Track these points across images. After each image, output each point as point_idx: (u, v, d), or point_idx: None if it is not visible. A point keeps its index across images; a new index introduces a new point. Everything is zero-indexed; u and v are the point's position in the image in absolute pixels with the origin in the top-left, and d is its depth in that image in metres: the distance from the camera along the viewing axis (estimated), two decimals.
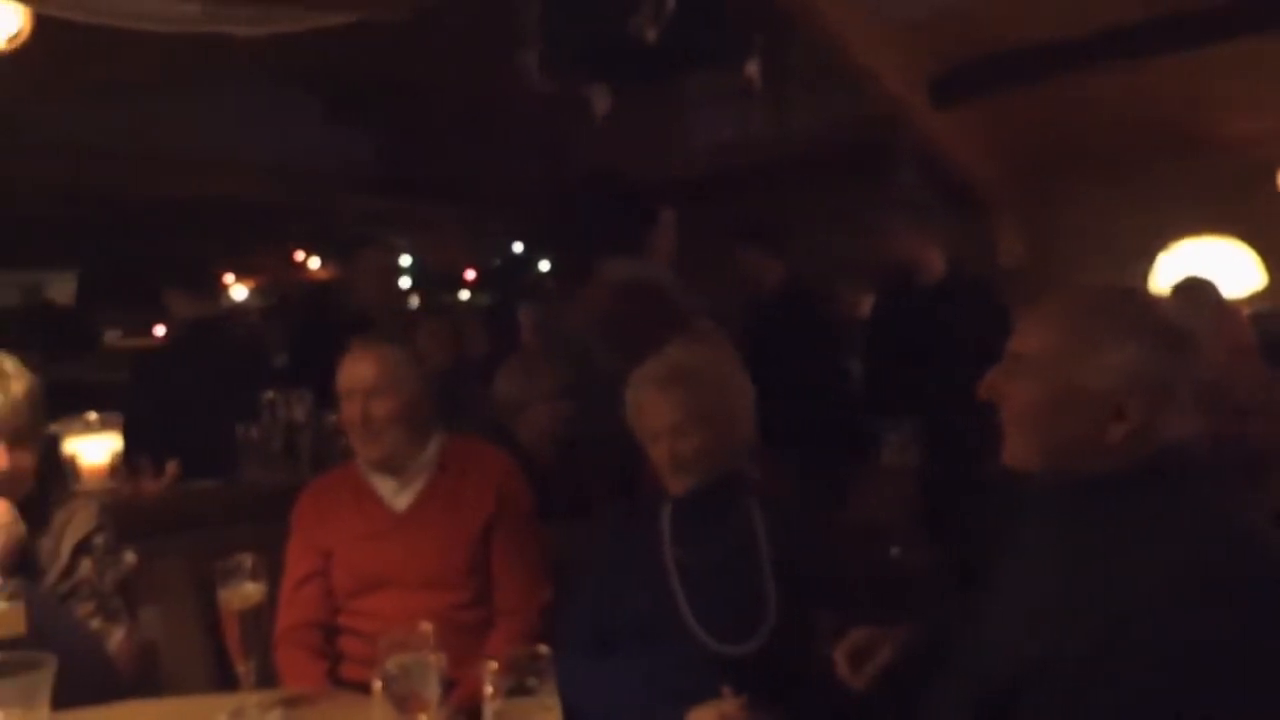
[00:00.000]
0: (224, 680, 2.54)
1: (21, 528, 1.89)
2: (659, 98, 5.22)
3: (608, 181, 5.00)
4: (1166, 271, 4.27)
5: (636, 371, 2.10)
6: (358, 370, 2.30)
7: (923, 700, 1.44)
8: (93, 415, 2.77)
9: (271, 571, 1.98)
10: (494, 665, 1.14)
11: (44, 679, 1.35)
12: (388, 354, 2.31)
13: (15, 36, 1.69)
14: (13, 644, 1.68)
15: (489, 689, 1.14)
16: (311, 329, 4.18)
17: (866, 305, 4.39)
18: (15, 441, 1.90)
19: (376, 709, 1.28)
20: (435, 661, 1.30)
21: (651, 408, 2.04)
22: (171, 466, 3.00)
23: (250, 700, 1.80)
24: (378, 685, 1.28)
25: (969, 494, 2.34)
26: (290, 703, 1.84)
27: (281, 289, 7.05)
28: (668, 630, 1.92)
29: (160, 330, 6.32)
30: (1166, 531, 1.27)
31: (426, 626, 1.32)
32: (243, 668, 1.80)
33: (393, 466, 2.31)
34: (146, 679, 2.09)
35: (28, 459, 1.94)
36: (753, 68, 3.81)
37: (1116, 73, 3.86)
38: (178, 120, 5.96)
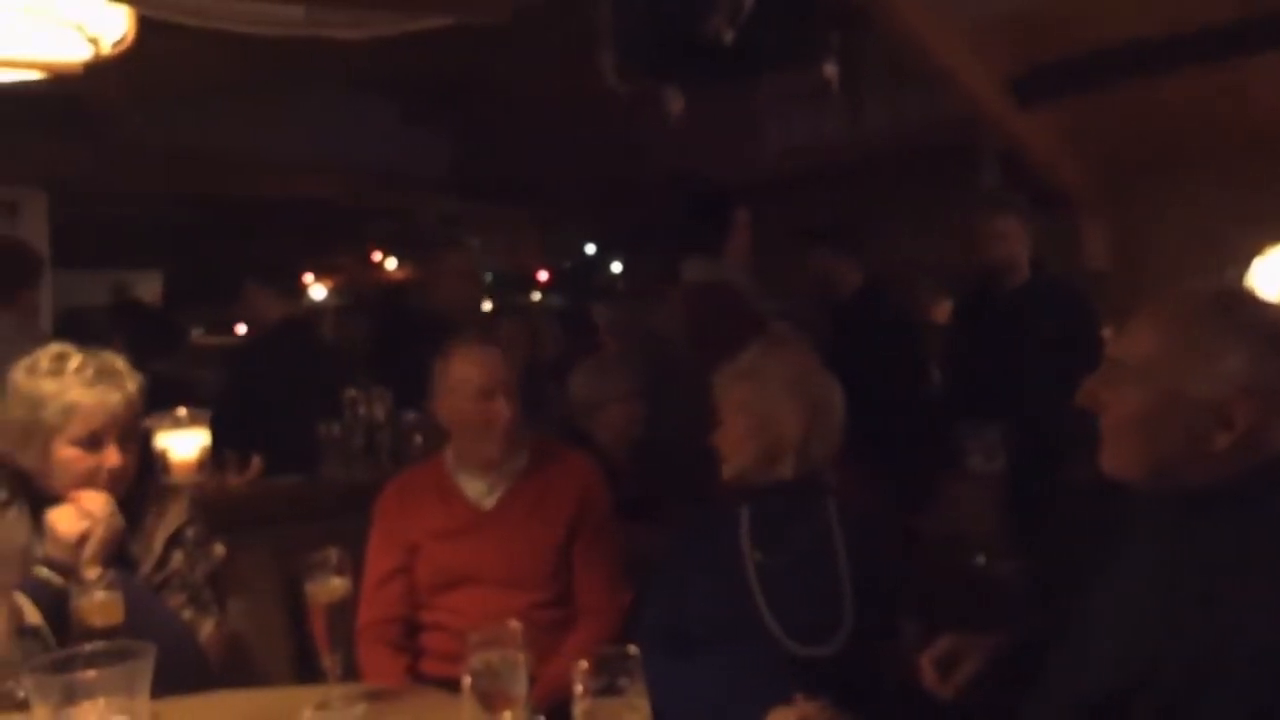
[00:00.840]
0: (305, 673, 2.59)
1: (121, 520, 1.94)
2: (732, 99, 5.20)
3: (683, 183, 5.01)
4: (1262, 276, 4.12)
5: (747, 353, 2.13)
6: (489, 367, 2.31)
7: (1021, 713, 1.41)
8: (182, 411, 2.86)
9: (350, 567, 2.02)
10: (584, 664, 1.15)
11: (145, 667, 1.38)
12: (506, 355, 2.34)
13: (120, 42, 1.74)
14: (110, 632, 1.73)
15: (578, 688, 1.15)
16: (390, 329, 4.25)
17: (943, 308, 4.33)
18: (125, 439, 1.96)
19: (466, 704, 1.29)
20: (524, 660, 1.30)
21: (718, 395, 2.08)
22: (255, 462, 3.06)
23: (335, 693, 1.83)
24: (468, 681, 1.29)
25: (1057, 501, 2.29)
26: (374, 697, 1.86)
27: (357, 289, 7.18)
28: (746, 631, 1.91)
29: (242, 329, 6.47)
30: (1275, 542, 1.23)
31: (515, 625, 1.33)
32: (328, 661, 1.83)
33: (493, 465, 2.33)
34: (234, 670, 2.14)
35: (133, 456, 2.00)
36: (830, 68, 3.78)
37: (1208, 72, 3.74)
38: (260, 124, 6.10)
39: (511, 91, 5.86)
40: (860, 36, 4.53)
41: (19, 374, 1.96)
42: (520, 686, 1.30)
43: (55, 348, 2.00)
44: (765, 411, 2.02)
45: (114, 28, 1.70)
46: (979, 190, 4.37)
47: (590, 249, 7.02)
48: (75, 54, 1.75)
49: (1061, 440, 2.30)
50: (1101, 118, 4.06)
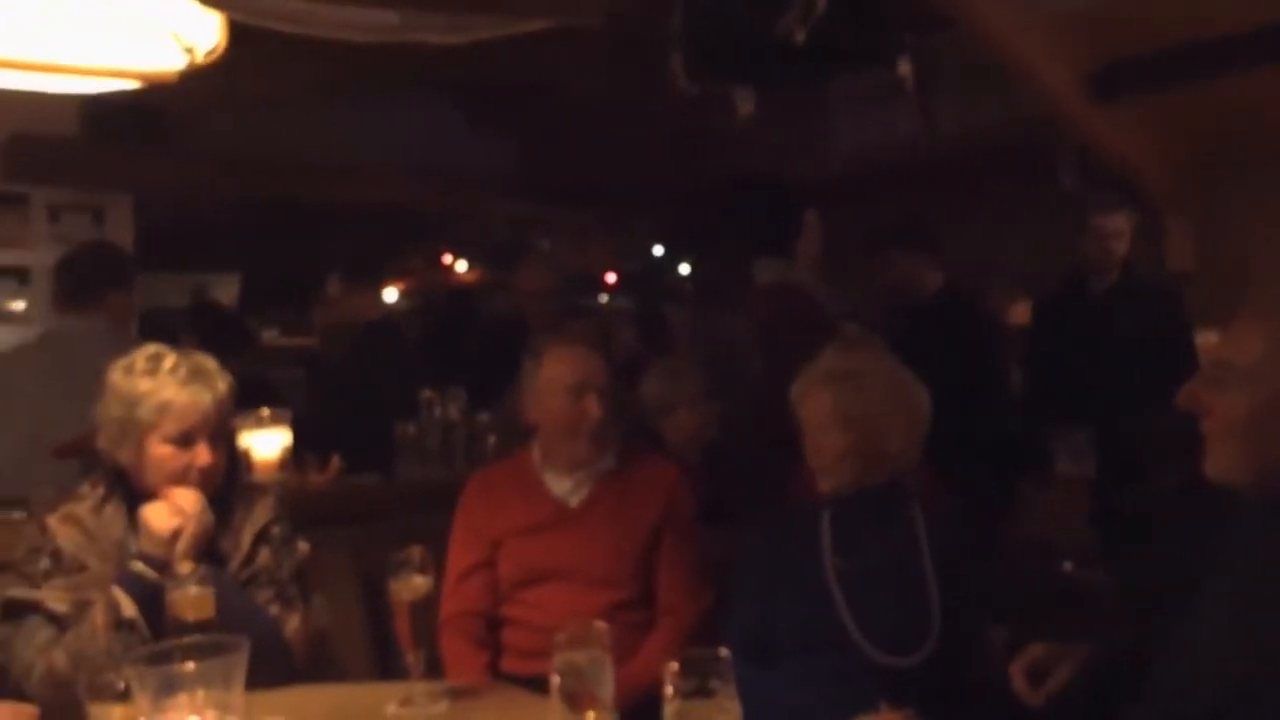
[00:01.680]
0: (382, 669, 2.64)
1: (211, 517, 2.00)
2: (801, 99, 5.16)
3: (751, 184, 4.99)
4: None
5: (821, 357, 2.11)
6: (581, 366, 2.33)
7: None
8: (265, 411, 2.92)
9: (433, 565, 2.04)
10: (674, 666, 1.15)
11: (240, 660, 1.41)
12: (599, 354, 2.35)
13: (213, 51, 1.78)
14: (203, 626, 1.78)
15: (668, 689, 1.15)
16: (464, 331, 4.31)
17: (1021, 310, 4.25)
18: (217, 438, 2.02)
19: (554, 704, 1.30)
20: (610, 661, 1.31)
21: (808, 403, 2.04)
22: (334, 461, 3.12)
23: (418, 689, 1.85)
24: (556, 681, 1.30)
25: (1144, 507, 2.24)
26: (457, 694, 1.89)
27: (426, 292, 7.27)
28: (829, 640, 1.89)
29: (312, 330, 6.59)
30: None
31: (602, 625, 1.33)
32: (411, 657, 1.86)
33: (581, 464, 2.35)
34: (318, 665, 2.18)
35: (223, 454, 2.05)
36: (905, 67, 3.73)
37: None
38: (329, 128, 6.20)
39: (577, 93, 5.89)
40: (934, 35, 4.47)
41: (117, 373, 2.03)
42: (606, 687, 1.31)
43: (151, 348, 2.06)
44: (870, 423, 1.98)
45: (208, 36, 1.75)
46: (1060, 188, 4.28)
47: (658, 251, 7.03)
48: (171, 63, 1.80)
49: (1149, 444, 2.25)
50: (1186, 114, 3.94)
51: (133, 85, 1.89)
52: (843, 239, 3.58)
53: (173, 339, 2.19)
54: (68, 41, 1.74)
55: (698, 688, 1.13)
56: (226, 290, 8.37)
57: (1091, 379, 3.19)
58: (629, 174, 6.24)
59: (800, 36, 3.43)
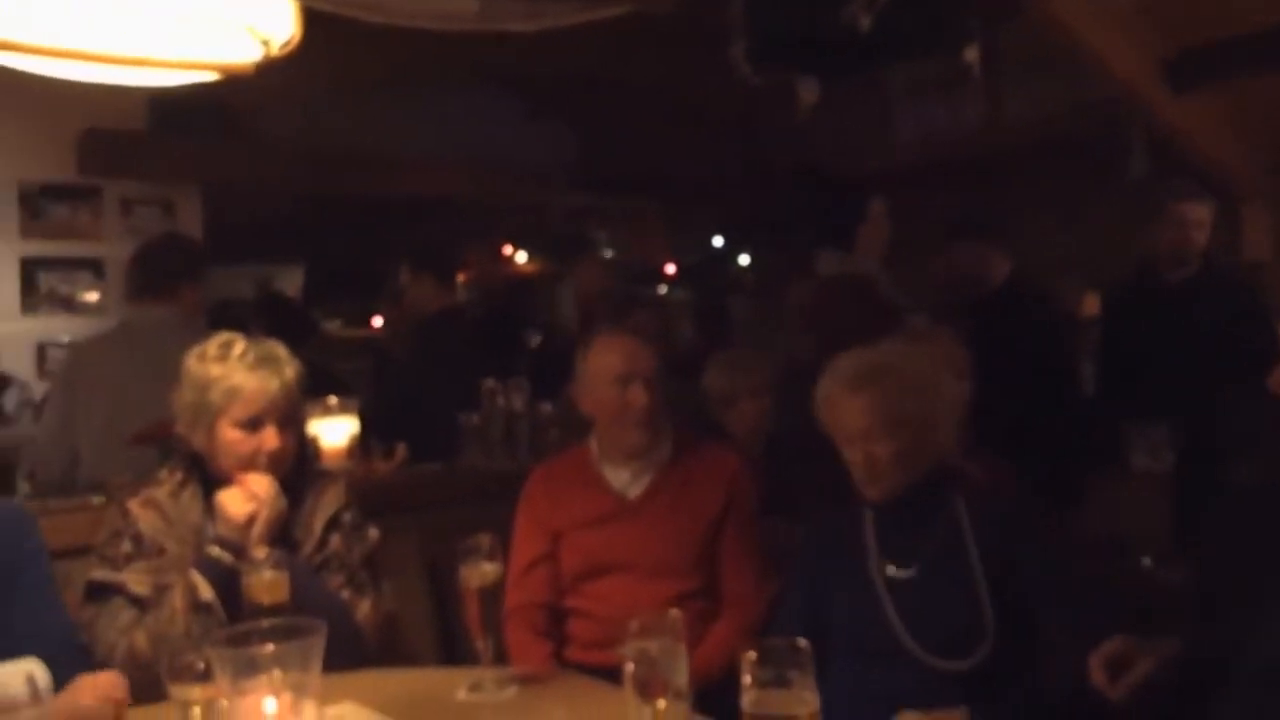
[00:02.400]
0: (449, 655, 2.67)
1: (284, 502, 2.03)
2: (862, 88, 5.11)
3: (811, 174, 4.95)
4: None
5: (827, 370, 2.02)
6: (628, 355, 2.33)
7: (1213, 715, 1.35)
8: (333, 399, 2.96)
9: (501, 553, 2.05)
10: (752, 655, 1.14)
11: (318, 643, 1.43)
12: (647, 344, 2.36)
13: (287, 43, 1.80)
14: (277, 610, 1.81)
15: (746, 679, 1.14)
16: (523, 322, 4.34)
17: (1090, 302, 4.17)
18: (285, 423, 2.05)
19: (628, 692, 1.30)
20: (684, 650, 1.31)
21: (842, 411, 1.95)
22: (400, 450, 3.15)
23: (487, 676, 1.87)
24: (630, 669, 1.30)
25: (1221, 502, 2.18)
26: (525, 681, 1.90)
27: (483, 284, 7.32)
28: (881, 645, 1.86)
29: (378, 321, 6.69)
30: None
31: (676, 613, 1.33)
32: (480, 644, 1.87)
33: (636, 455, 2.35)
34: (387, 649, 2.21)
35: (293, 440, 2.09)
36: (972, 54, 3.68)
37: None
38: (390, 122, 6.28)
39: (636, 85, 5.89)
40: (1000, 21, 4.40)
41: (191, 360, 2.08)
42: (680, 676, 1.31)
43: (223, 335, 2.11)
44: (918, 421, 1.91)
45: (283, 28, 1.77)
46: (1129, 177, 4.19)
47: (718, 242, 7.00)
48: (247, 55, 1.83)
49: (1229, 437, 2.19)
50: (1264, 101, 3.84)
51: (210, 78, 1.92)
52: (905, 229, 3.54)
53: (243, 329, 2.23)
54: (146, 35, 1.76)
55: (776, 678, 1.13)
56: (290, 282, 8.51)
57: (1169, 371, 3.12)
58: (688, 165, 6.23)
59: (866, 24, 3.39)
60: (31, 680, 1.36)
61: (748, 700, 1.14)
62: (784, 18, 3.63)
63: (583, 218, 6.69)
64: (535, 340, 4.48)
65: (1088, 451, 2.91)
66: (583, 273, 3.97)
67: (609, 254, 6.37)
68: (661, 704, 1.35)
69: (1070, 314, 4.21)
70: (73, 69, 1.91)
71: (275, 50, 1.82)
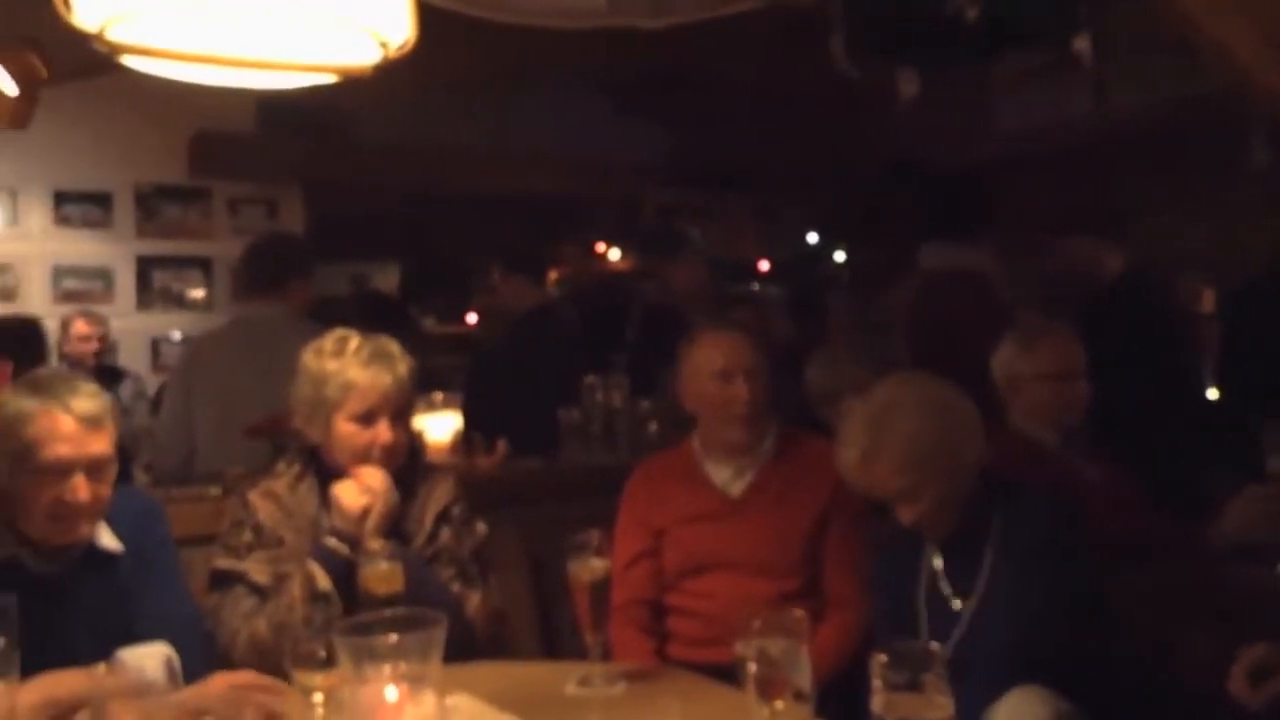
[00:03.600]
0: (551, 650, 2.69)
1: (396, 495, 2.07)
2: (961, 78, 5.00)
3: (908, 168, 4.86)
4: None
5: (840, 439, 1.98)
6: (730, 350, 2.32)
7: None
8: (438, 395, 3.01)
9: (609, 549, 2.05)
10: (882, 658, 1.12)
11: (439, 635, 1.45)
12: (751, 338, 2.35)
13: (404, 44, 1.83)
14: (392, 600, 1.84)
15: (876, 681, 1.12)
16: (617, 317, 4.35)
17: (1207, 296, 4.02)
18: (398, 418, 2.09)
19: (748, 690, 1.29)
20: (807, 649, 1.29)
21: (873, 479, 1.92)
22: (501, 445, 3.18)
23: (596, 671, 1.88)
24: (752, 669, 1.29)
25: None
26: (634, 676, 1.90)
27: (576, 280, 7.37)
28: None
29: (472, 318, 6.79)
30: None
31: (799, 613, 1.32)
32: (590, 638, 1.88)
33: (738, 451, 2.34)
34: (495, 643, 2.24)
35: (405, 434, 2.13)
36: (1082, 42, 3.56)
37: None
38: (483, 120, 6.37)
39: (726, 79, 5.86)
40: (1108, 6, 4.26)
41: (308, 355, 2.13)
42: (802, 677, 1.29)
43: (339, 331, 2.16)
44: (941, 453, 1.86)
45: (402, 30, 1.79)
46: (1248, 166, 4.02)
47: (812, 238, 6.93)
48: (366, 58, 1.86)
49: None
50: None
51: (328, 80, 1.96)
52: (1011, 223, 3.45)
53: (346, 326, 2.27)
54: (270, 38, 1.81)
55: (908, 681, 1.11)
56: (385, 279, 8.67)
57: None
58: (781, 160, 6.18)
59: (972, 14, 3.31)
60: (170, 663, 1.41)
61: (878, 703, 1.12)
62: (884, 9, 3.57)
63: (675, 214, 6.68)
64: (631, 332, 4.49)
65: (1216, 453, 2.80)
66: (679, 269, 3.96)
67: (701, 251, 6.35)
68: (780, 705, 1.34)
69: (1188, 310, 4.06)
70: (196, 72, 1.96)
71: (393, 52, 1.84)
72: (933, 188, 3.49)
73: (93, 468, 1.79)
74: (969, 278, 3.10)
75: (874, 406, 1.94)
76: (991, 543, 1.84)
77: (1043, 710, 1.56)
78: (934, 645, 1.14)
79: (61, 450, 1.76)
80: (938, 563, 1.93)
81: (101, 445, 1.80)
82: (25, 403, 1.77)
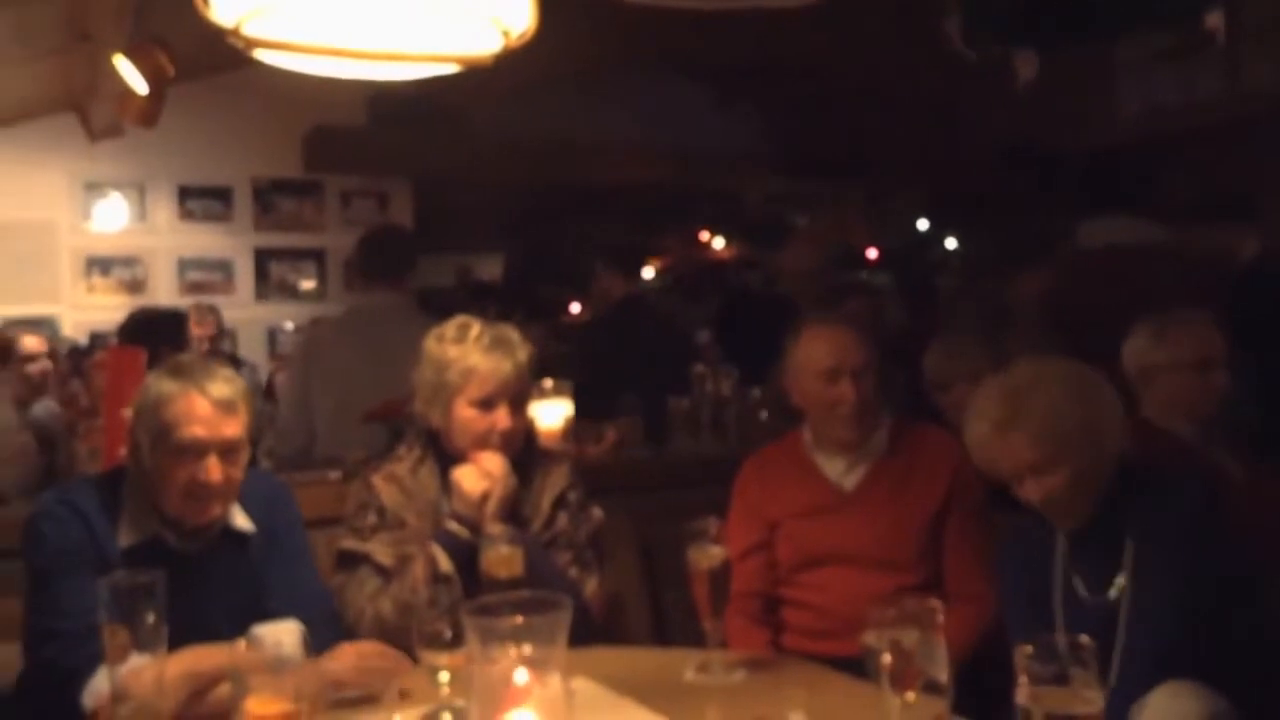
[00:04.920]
0: (661, 637, 2.69)
1: (515, 480, 2.09)
2: (1081, 59, 4.83)
3: (1025, 152, 4.71)
4: None
5: (971, 407, 1.88)
6: (836, 348, 2.26)
7: None
8: (549, 382, 3.02)
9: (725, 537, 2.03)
10: (1027, 649, 1.09)
11: (565, 619, 1.46)
12: (860, 333, 2.29)
13: (525, 33, 1.84)
14: (513, 584, 1.86)
15: (1021, 675, 1.09)
16: (733, 308, 4.33)
17: None
18: (517, 404, 2.11)
19: (883, 681, 1.27)
20: (943, 640, 1.26)
21: (998, 454, 1.82)
22: (610, 433, 3.19)
23: (715, 658, 1.87)
24: (886, 659, 1.26)
25: None
26: (754, 665, 1.89)
27: (679, 270, 7.38)
28: None
29: (576, 307, 6.84)
30: None
31: (935, 603, 1.29)
32: (709, 626, 1.87)
33: (849, 446, 2.30)
34: (612, 629, 2.25)
35: (522, 420, 2.15)
36: (1215, 20, 3.42)
37: None
38: (586, 112, 6.41)
39: (832, 65, 5.78)
40: None
41: (430, 341, 2.16)
42: (937, 669, 1.26)
43: (460, 318, 2.19)
44: (1084, 435, 1.76)
45: (524, 19, 1.80)
46: None
47: (923, 225, 6.80)
48: (488, 47, 1.88)
49: None
50: None
51: (450, 70, 1.99)
52: (1139, 207, 3.31)
53: (445, 316, 2.30)
54: (396, 29, 1.84)
55: (1055, 674, 1.07)
56: (487, 270, 8.82)
57: None
58: (889, 147, 6.07)
59: None
60: (304, 639, 1.45)
61: (1023, 696, 1.08)
62: None
63: (781, 203, 6.63)
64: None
65: None
66: (792, 252, 3.92)
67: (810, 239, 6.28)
68: (911, 696, 1.31)
69: None
70: (323, 65, 2.01)
71: (514, 40, 1.86)
72: (1067, 170, 3.35)
73: (225, 449, 1.84)
74: (1114, 260, 2.96)
75: (1014, 380, 1.86)
76: (1131, 533, 1.76)
77: (1196, 707, 1.48)
78: (1084, 638, 1.09)
79: (196, 432, 1.81)
80: (1070, 555, 1.85)
81: (234, 429, 1.85)
82: (166, 385, 1.84)
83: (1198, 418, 2.28)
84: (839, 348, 2.26)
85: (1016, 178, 4.60)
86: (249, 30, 1.80)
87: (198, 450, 1.82)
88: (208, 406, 1.83)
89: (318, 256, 6.04)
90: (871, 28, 5.07)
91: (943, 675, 1.25)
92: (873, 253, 6.33)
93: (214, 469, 1.82)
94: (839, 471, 2.33)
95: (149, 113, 4.15)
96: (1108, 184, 3.12)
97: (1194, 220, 3.30)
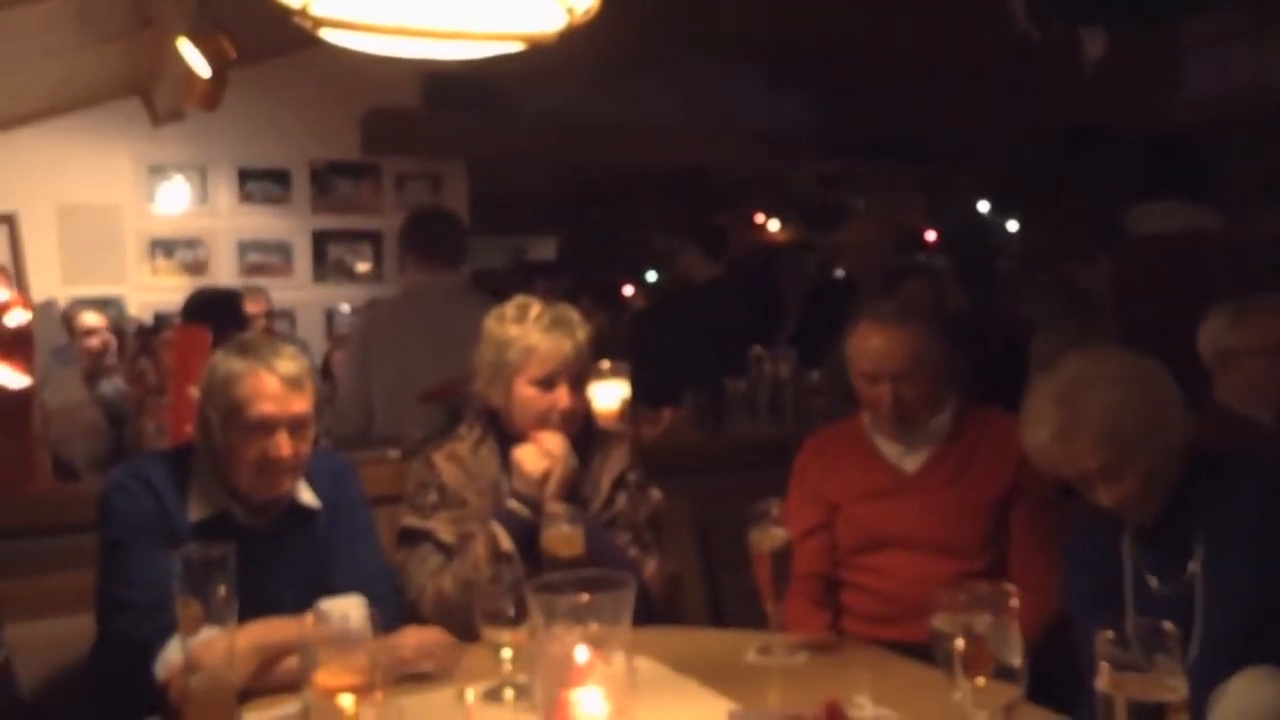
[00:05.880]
0: (718, 618, 2.68)
1: (575, 460, 2.10)
2: (1149, 40, 4.71)
3: (1092, 133, 4.61)
4: None
5: (1024, 410, 1.81)
6: (885, 354, 2.21)
7: None
8: (605, 363, 3.02)
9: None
10: (1108, 634, 1.06)
11: (629, 598, 1.45)
12: (911, 332, 2.22)
13: (588, 10, 1.83)
14: (573, 563, 1.86)
15: (1102, 662, 1.06)
16: (779, 288, 4.30)
17: None
18: (576, 383, 2.12)
19: (956, 666, 1.25)
20: (1017, 625, 1.24)
21: (1061, 458, 1.74)
22: (667, 414, 3.19)
23: (776, 640, 1.86)
24: (960, 644, 1.24)
25: None
26: (816, 647, 1.88)
27: (733, 253, 7.34)
28: None
29: (628, 290, 6.83)
30: None
31: (1009, 586, 1.26)
32: (770, 607, 1.86)
33: (906, 432, 2.28)
34: (671, 609, 2.25)
35: (584, 400, 2.15)
36: None
37: None
38: (638, 95, 6.39)
39: (888, 45, 5.69)
40: None
41: (491, 321, 2.17)
42: (1011, 654, 1.23)
43: (520, 298, 2.19)
44: (1147, 432, 1.68)
45: None
46: None
47: (983, 207, 6.68)
48: (552, 24, 1.87)
49: None
50: None
51: (515, 48, 1.98)
52: (1216, 190, 3.22)
53: (497, 297, 2.30)
54: (463, 8, 1.85)
55: (1137, 661, 1.04)
56: (542, 252, 8.85)
57: None
58: (947, 128, 5.98)
59: None
60: (373, 614, 1.47)
61: (1104, 683, 1.06)
62: None
63: (836, 185, 6.56)
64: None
65: None
66: (853, 233, 3.88)
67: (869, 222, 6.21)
68: (981, 681, 1.29)
69: None
70: (387, 44, 2.02)
71: (578, 18, 1.85)
72: (1137, 151, 3.27)
73: (294, 425, 1.87)
74: (1183, 242, 2.89)
75: (1062, 381, 1.77)
76: (1203, 522, 1.70)
77: (1276, 693, 1.44)
78: (1167, 624, 1.07)
79: (266, 408, 1.84)
80: (1139, 546, 1.80)
81: (302, 405, 1.88)
82: (235, 364, 1.86)
83: (1276, 403, 2.22)
84: (880, 354, 2.21)
85: (1080, 161, 4.50)
86: (316, 10, 1.81)
87: (268, 427, 1.84)
88: (276, 383, 1.85)
89: (374, 239, 6.09)
90: (932, 5, 4.98)
91: (1016, 660, 1.22)
92: (931, 235, 6.24)
93: (284, 444, 1.85)
94: (899, 454, 2.30)
95: (212, 96, 4.20)
96: (1167, 168, 3.03)
97: (1254, 203, 3.21)
